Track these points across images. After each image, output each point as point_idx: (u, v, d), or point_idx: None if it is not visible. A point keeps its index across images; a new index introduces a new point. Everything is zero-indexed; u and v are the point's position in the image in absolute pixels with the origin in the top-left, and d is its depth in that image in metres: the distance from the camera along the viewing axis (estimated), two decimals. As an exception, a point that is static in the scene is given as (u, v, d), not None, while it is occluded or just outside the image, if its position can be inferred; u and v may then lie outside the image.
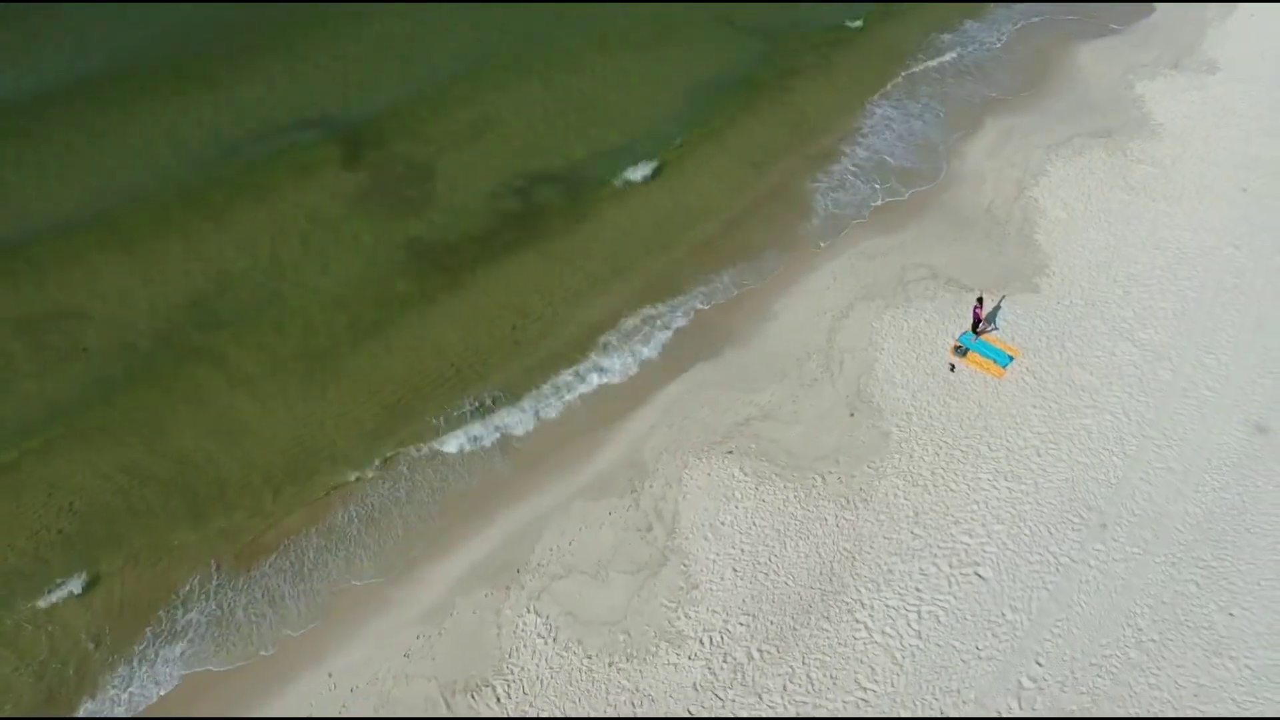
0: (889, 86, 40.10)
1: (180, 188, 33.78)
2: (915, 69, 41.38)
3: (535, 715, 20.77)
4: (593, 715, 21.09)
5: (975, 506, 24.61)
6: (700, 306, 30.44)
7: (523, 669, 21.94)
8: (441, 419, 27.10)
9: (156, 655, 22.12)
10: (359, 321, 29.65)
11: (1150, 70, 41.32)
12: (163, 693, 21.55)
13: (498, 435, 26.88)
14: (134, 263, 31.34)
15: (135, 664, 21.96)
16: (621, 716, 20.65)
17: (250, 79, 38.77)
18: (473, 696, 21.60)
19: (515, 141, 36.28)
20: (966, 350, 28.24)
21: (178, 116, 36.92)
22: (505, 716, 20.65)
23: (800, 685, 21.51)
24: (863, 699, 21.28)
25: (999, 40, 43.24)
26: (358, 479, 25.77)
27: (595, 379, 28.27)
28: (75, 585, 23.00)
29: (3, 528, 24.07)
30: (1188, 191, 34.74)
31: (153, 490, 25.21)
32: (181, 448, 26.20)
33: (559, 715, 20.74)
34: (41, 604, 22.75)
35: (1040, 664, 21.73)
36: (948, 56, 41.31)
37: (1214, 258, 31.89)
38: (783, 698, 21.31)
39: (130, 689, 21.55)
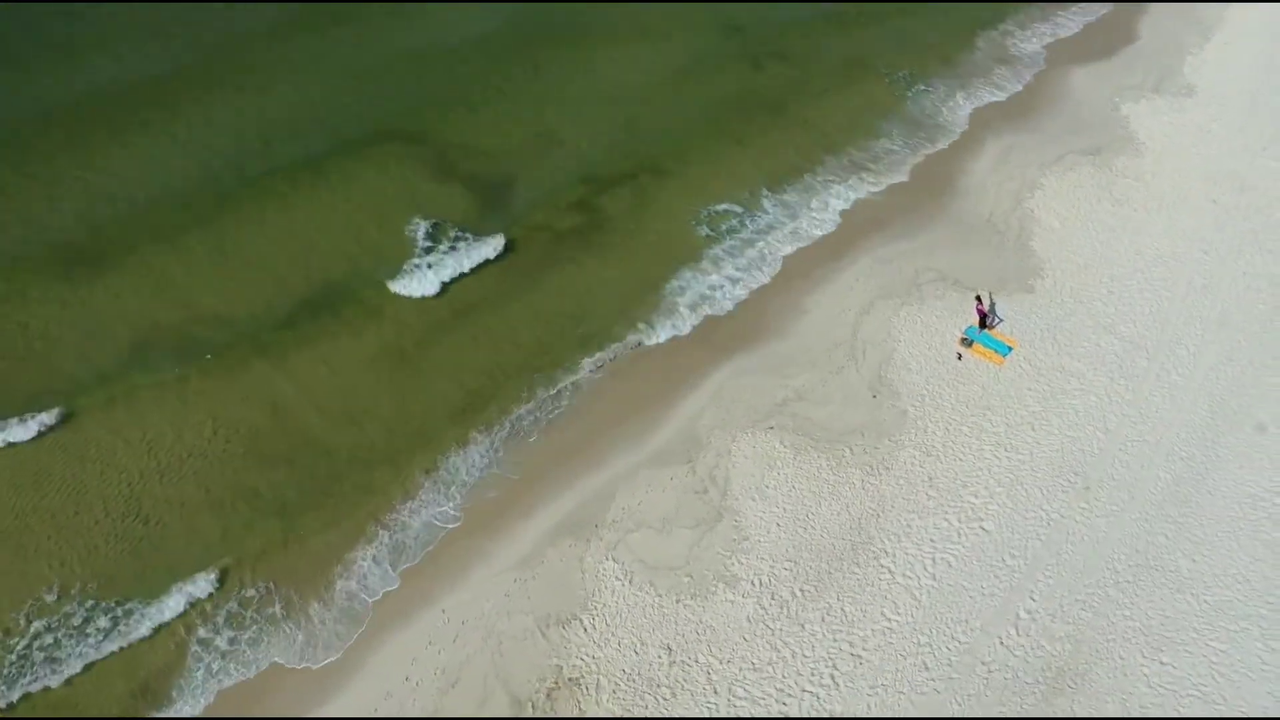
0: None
1: (264, 191, 37.71)
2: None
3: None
4: (667, 644, 25.34)
5: (980, 472, 28.72)
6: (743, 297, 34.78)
7: (604, 605, 25.94)
8: (519, 401, 31.13)
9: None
10: (439, 319, 33.72)
11: (1135, 93, 44.73)
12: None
13: (568, 415, 30.98)
14: (228, 264, 35.15)
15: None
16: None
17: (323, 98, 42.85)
18: (564, 628, 25.58)
19: (575, 155, 40.32)
20: (972, 341, 32.29)
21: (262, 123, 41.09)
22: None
23: (836, 617, 25.64)
24: (888, 628, 25.43)
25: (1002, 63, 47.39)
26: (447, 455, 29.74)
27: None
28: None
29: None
30: (1165, 203, 38.38)
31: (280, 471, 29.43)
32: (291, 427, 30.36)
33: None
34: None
35: (1034, 600, 25.77)
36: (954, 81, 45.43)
37: (1186, 261, 35.72)
38: (821, 627, 25.46)
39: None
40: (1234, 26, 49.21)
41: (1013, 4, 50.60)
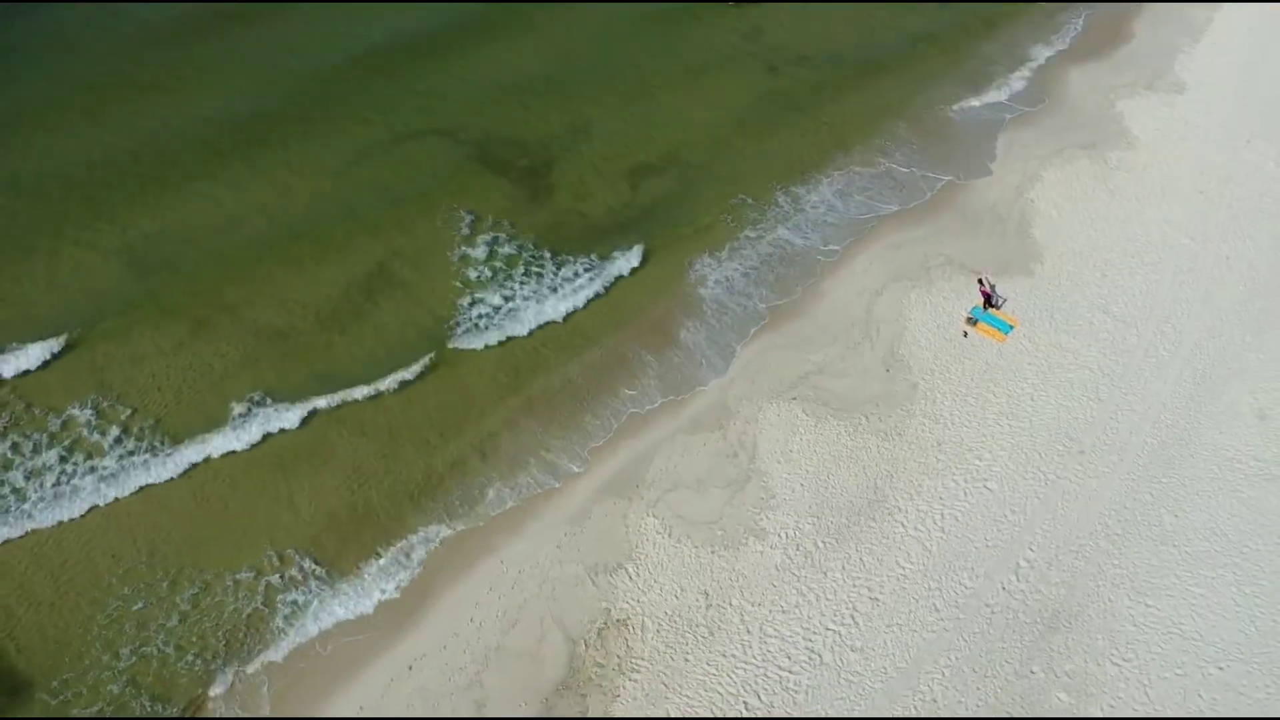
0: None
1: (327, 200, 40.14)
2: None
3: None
4: (704, 589, 28.21)
5: (984, 438, 31.60)
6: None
7: (647, 556, 28.83)
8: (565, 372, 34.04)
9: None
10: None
11: (1128, 90, 47.16)
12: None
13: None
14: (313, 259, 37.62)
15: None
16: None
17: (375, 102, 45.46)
18: (611, 575, 28.49)
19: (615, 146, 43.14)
20: (976, 320, 35.04)
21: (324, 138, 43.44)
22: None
23: (855, 566, 28.62)
24: (902, 574, 28.39)
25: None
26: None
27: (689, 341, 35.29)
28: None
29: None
30: (1155, 194, 41.04)
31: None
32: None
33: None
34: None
35: (1032, 550, 28.75)
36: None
37: (1173, 247, 38.47)
38: (842, 574, 28.40)
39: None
40: (1222, 27, 51.54)
41: (1021, 5, 52.86)
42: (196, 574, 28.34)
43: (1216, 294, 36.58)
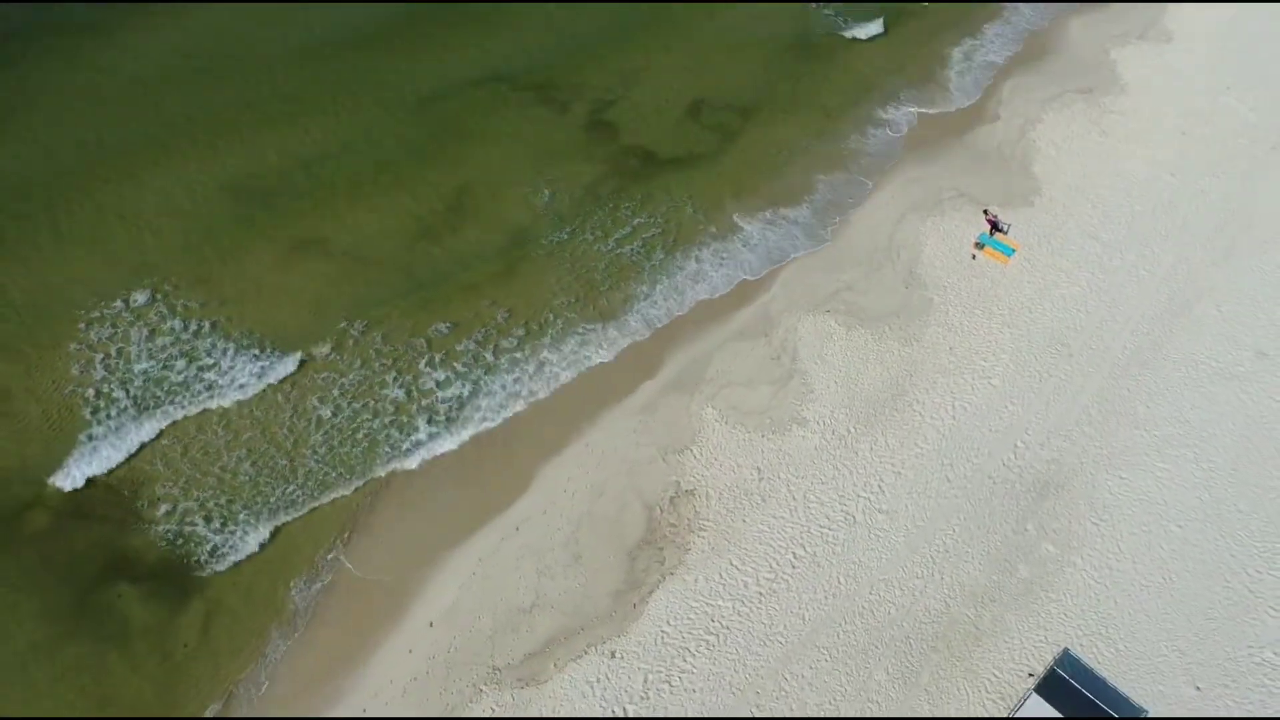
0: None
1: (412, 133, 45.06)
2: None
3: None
4: (757, 466, 34.02)
5: (989, 343, 37.07)
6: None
7: (707, 439, 34.25)
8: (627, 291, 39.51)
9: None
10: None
11: (1122, 40, 51.66)
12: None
13: (671, 302, 39.35)
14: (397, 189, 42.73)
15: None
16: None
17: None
18: (679, 455, 33.84)
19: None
20: (983, 245, 40.34)
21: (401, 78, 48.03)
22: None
23: (879, 446, 34.18)
24: (920, 453, 34.00)
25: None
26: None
27: (737, 261, 40.71)
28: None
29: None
30: (1142, 134, 45.99)
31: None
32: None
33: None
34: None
35: (1028, 434, 34.40)
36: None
37: (1156, 183, 43.61)
38: (870, 453, 33.94)
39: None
40: (1210, -20, 56.19)
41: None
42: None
43: (1191, 223, 41.84)
